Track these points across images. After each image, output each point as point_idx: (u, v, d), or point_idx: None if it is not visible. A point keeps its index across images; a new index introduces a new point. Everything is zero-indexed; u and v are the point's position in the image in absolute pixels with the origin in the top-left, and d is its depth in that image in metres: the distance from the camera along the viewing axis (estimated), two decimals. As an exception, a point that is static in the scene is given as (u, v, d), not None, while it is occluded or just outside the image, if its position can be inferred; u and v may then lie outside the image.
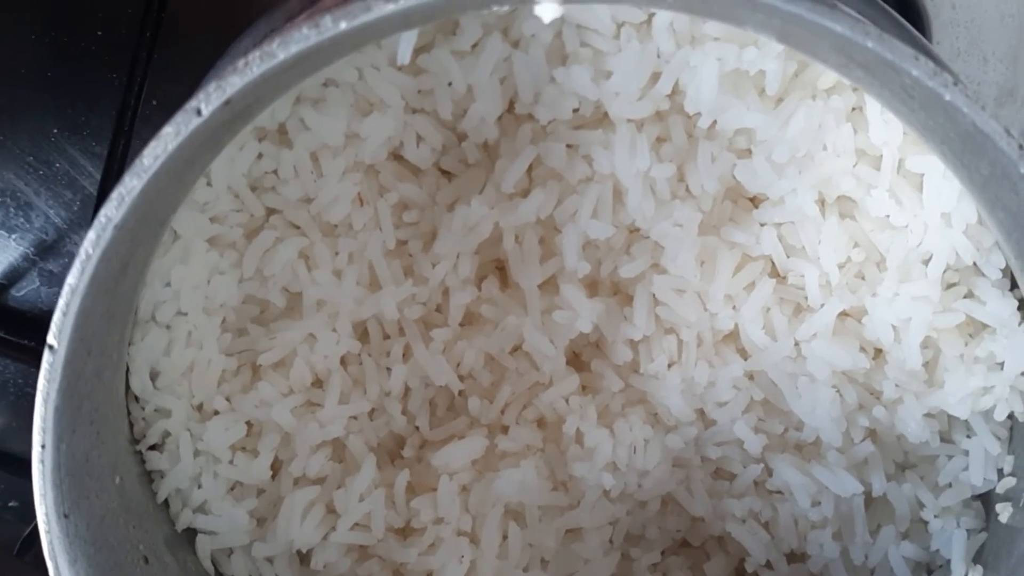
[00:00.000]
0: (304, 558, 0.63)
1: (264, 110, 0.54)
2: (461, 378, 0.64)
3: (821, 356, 0.61)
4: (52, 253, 0.80)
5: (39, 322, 0.81)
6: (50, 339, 0.47)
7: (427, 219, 0.62)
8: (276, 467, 0.63)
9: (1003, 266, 0.59)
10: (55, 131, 0.78)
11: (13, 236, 0.80)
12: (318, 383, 0.63)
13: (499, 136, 0.61)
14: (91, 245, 0.46)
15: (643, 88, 0.58)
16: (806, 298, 0.61)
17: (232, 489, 0.62)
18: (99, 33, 0.77)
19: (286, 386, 0.62)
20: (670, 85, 0.58)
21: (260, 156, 0.60)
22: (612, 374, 0.64)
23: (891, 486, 0.63)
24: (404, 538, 0.64)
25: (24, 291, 0.81)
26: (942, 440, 0.63)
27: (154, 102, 0.75)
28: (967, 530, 0.62)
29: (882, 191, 0.59)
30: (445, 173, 0.63)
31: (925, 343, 0.61)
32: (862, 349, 0.62)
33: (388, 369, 0.63)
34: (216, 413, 0.61)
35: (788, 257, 0.62)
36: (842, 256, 0.61)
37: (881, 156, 0.59)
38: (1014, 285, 0.59)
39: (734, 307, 0.62)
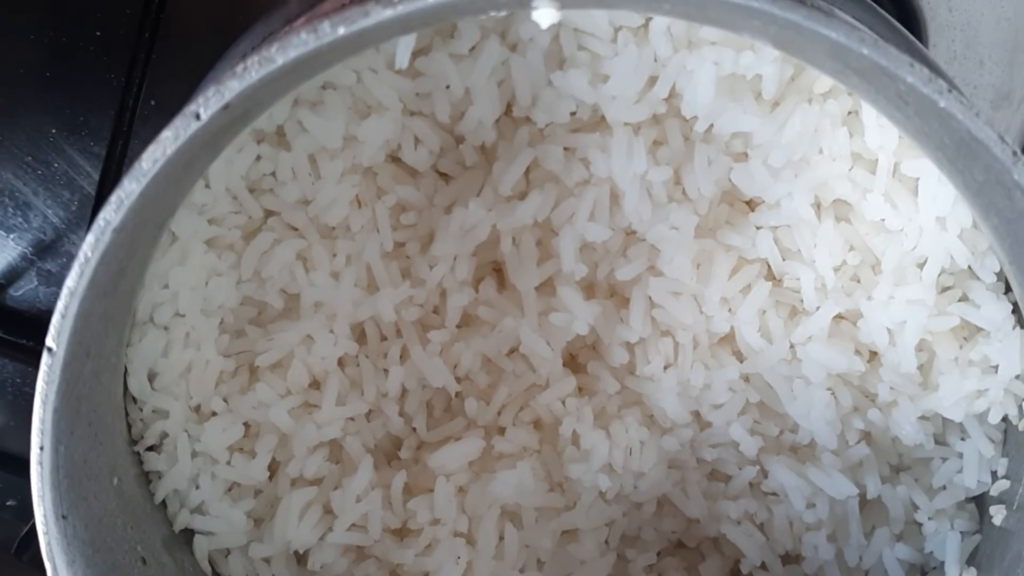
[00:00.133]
0: (301, 559, 0.64)
1: (262, 114, 0.54)
2: (458, 380, 0.64)
3: (816, 359, 0.61)
4: (50, 253, 0.80)
5: (37, 322, 0.81)
6: (49, 341, 0.48)
7: (425, 221, 0.63)
8: (273, 468, 0.63)
9: (997, 270, 0.59)
10: (53, 131, 0.78)
11: (11, 236, 0.80)
12: (316, 384, 0.63)
13: (497, 139, 0.61)
14: (90, 248, 0.46)
15: (640, 92, 0.58)
16: (802, 301, 0.62)
17: (230, 490, 0.62)
18: (98, 33, 0.77)
19: (284, 387, 0.62)
20: (667, 89, 0.58)
21: (258, 158, 0.60)
22: (608, 376, 0.64)
23: (885, 488, 0.63)
24: (401, 539, 0.64)
25: (22, 291, 0.81)
26: (936, 443, 0.63)
27: (152, 102, 0.75)
28: (961, 532, 0.62)
29: (878, 195, 0.59)
30: (443, 175, 0.63)
31: (920, 346, 0.61)
32: (857, 352, 0.62)
33: (385, 371, 0.64)
34: (214, 414, 0.61)
35: (784, 260, 0.62)
36: (838, 259, 0.61)
37: (877, 160, 0.59)
38: (1008, 289, 0.60)
39: (730, 310, 0.62)
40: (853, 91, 0.54)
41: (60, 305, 0.47)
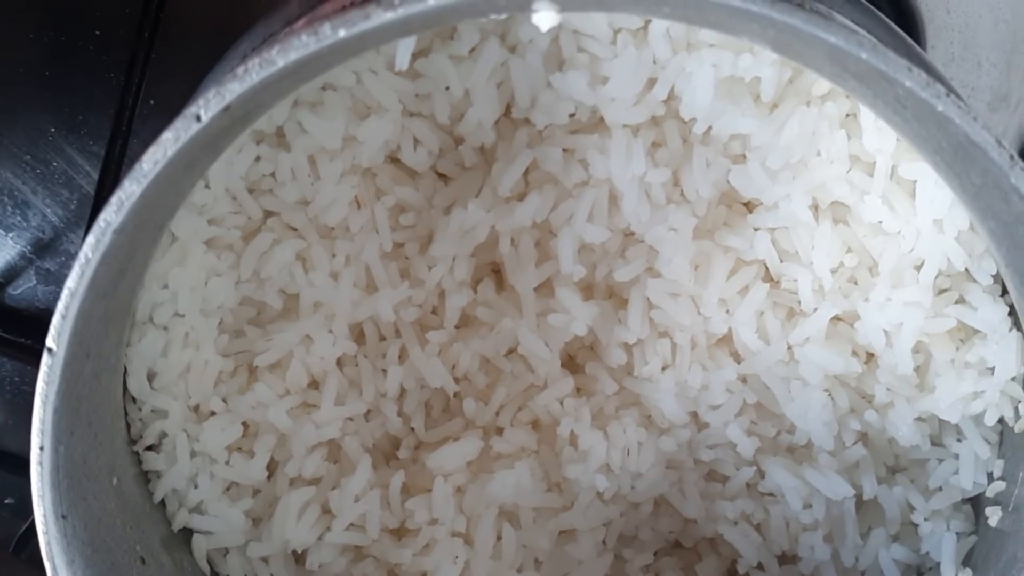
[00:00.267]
0: (299, 558, 0.64)
1: (263, 115, 0.54)
2: (456, 380, 0.64)
3: (813, 360, 0.61)
4: (49, 252, 0.81)
5: (36, 320, 0.81)
6: (49, 342, 0.48)
7: (424, 222, 0.63)
8: (272, 468, 0.63)
9: (994, 272, 0.59)
10: (52, 130, 0.78)
11: (10, 234, 0.80)
12: (314, 384, 0.64)
13: (496, 140, 0.61)
14: (90, 249, 0.46)
15: (639, 94, 0.59)
16: (799, 302, 0.62)
17: (228, 489, 0.62)
18: (97, 33, 0.77)
19: (282, 387, 0.62)
20: (666, 91, 0.58)
21: (258, 159, 0.60)
22: (606, 377, 0.64)
23: (882, 489, 0.63)
24: (399, 539, 0.64)
25: (21, 289, 0.81)
26: (933, 444, 0.63)
27: (152, 102, 0.75)
28: (957, 533, 0.62)
29: (875, 197, 0.59)
30: (442, 176, 0.63)
31: (916, 348, 0.61)
32: (854, 353, 0.62)
33: (384, 371, 0.64)
34: (213, 414, 0.62)
35: (782, 262, 0.62)
36: (835, 261, 0.61)
37: (874, 162, 0.59)
38: (1005, 291, 0.60)
39: (728, 311, 0.62)
40: (851, 95, 0.54)
41: (60, 306, 0.47)
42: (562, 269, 0.62)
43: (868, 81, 0.47)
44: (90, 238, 0.46)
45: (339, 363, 0.64)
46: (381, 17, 0.43)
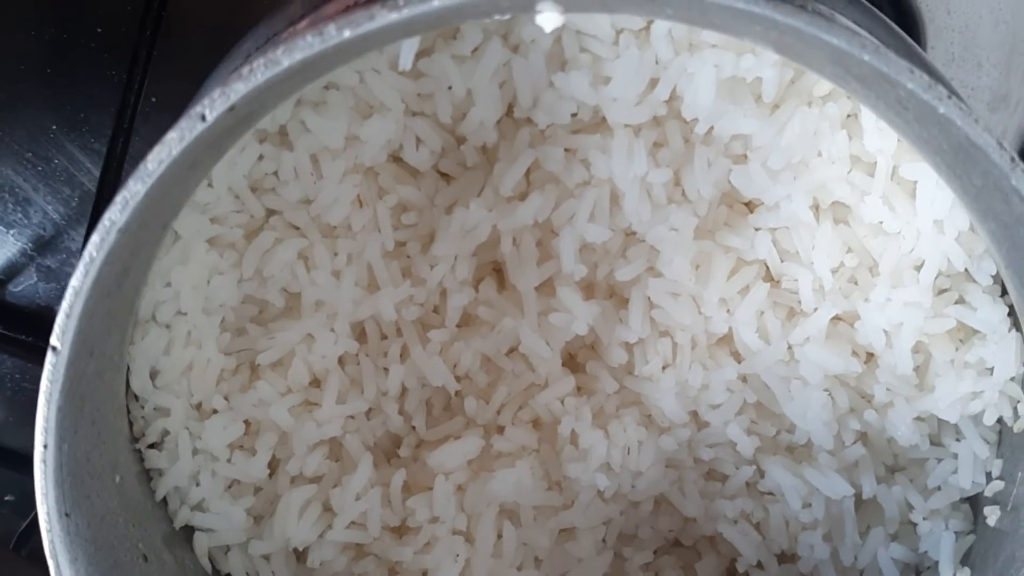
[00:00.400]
0: (300, 556, 0.64)
1: (266, 115, 0.54)
2: (458, 379, 0.64)
3: (814, 360, 0.62)
4: (50, 249, 0.81)
5: (37, 318, 0.81)
6: (53, 340, 0.48)
7: (425, 221, 0.63)
8: (273, 465, 0.63)
9: (994, 272, 0.60)
10: (54, 127, 0.78)
11: (11, 232, 0.80)
12: (316, 383, 0.64)
13: (498, 140, 0.62)
14: (95, 248, 0.46)
15: (641, 94, 0.59)
16: (799, 302, 0.62)
17: (230, 487, 0.62)
18: (99, 30, 0.77)
19: (284, 385, 0.63)
20: (668, 91, 0.59)
21: (261, 158, 0.60)
22: (607, 376, 0.64)
23: (881, 488, 0.63)
24: (400, 537, 0.64)
25: (22, 287, 0.81)
26: (932, 444, 0.63)
27: (153, 99, 0.76)
28: (955, 532, 0.63)
29: (876, 197, 0.59)
30: (444, 176, 0.63)
31: (916, 348, 0.61)
32: (854, 353, 0.62)
33: (385, 369, 0.64)
34: (215, 412, 0.62)
35: (782, 262, 0.62)
36: (835, 261, 0.61)
37: (875, 163, 0.59)
38: (1004, 291, 0.60)
39: (728, 311, 0.63)
40: (853, 96, 0.54)
41: (65, 304, 0.47)
42: (563, 268, 0.62)
43: (870, 83, 0.48)
44: (95, 237, 0.46)
45: (341, 361, 0.64)
46: (386, 18, 0.43)
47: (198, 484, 0.61)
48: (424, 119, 0.61)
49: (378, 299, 0.62)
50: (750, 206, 0.63)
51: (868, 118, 0.58)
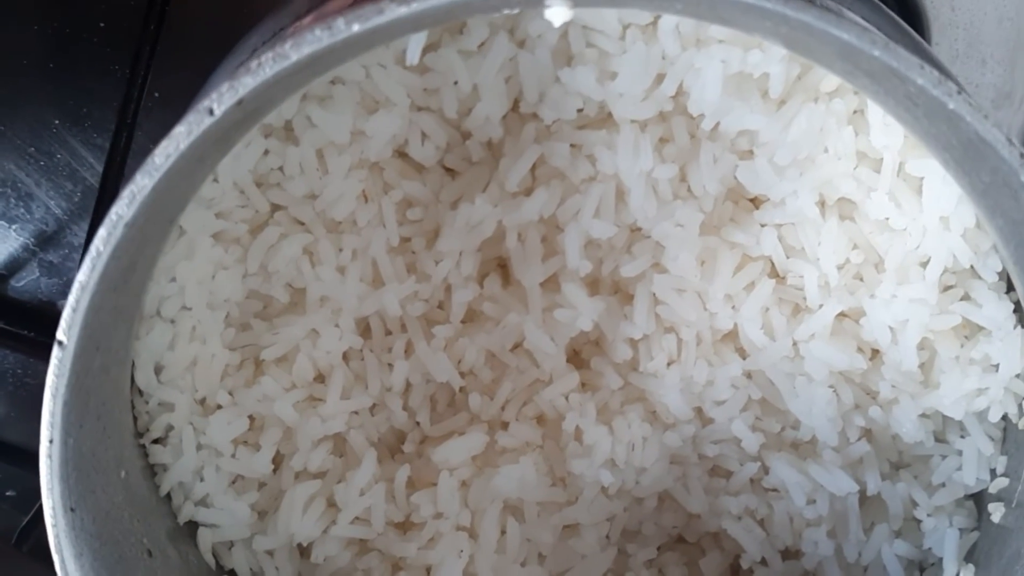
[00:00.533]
0: (304, 551, 0.64)
1: (273, 110, 0.54)
2: (462, 375, 0.64)
3: (819, 356, 0.62)
4: (52, 244, 0.80)
5: (39, 313, 0.81)
6: (59, 335, 0.48)
7: (431, 217, 0.63)
8: (277, 461, 0.63)
9: (1000, 269, 0.60)
10: (56, 122, 0.78)
11: (13, 227, 0.80)
12: (320, 378, 0.64)
13: (503, 135, 0.61)
14: (102, 242, 0.46)
15: (647, 89, 0.59)
16: (805, 299, 0.62)
17: (234, 482, 0.62)
18: (102, 25, 0.77)
19: (288, 381, 0.62)
20: (674, 86, 0.58)
21: (266, 153, 0.60)
22: (612, 372, 0.64)
23: (885, 485, 0.63)
24: (404, 532, 0.64)
25: (24, 282, 0.81)
26: (936, 440, 0.64)
27: (156, 95, 0.75)
28: (959, 529, 0.63)
29: (882, 194, 0.59)
30: (449, 171, 0.63)
31: (921, 344, 0.61)
32: (859, 350, 0.62)
33: (390, 365, 0.64)
34: (219, 407, 0.62)
35: (788, 258, 0.62)
36: (841, 258, 0.61)
37: (882, 159, 0.59)
38: (1010, 288, 0.60)
39: (733, 307, 0.63)
40: (862, 92, 0.54)
41: (71, 299, 0.47)
42: (568, 264, 0.62)
43: (879, 78, 0.48)
44: (101, 231, 0.46)
45: (345, 357, 0.64)
46: (395, 12, 0.43)
47: (202, 479, 0.61)
48: (430, 114, 0.61)
49: (383, 295, 0.62)
50: (756, 202, 0.63)
51: (875, 114, 0.58)
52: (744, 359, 0.63)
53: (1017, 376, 0.60)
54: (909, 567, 0.64)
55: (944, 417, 0.63)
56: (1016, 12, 0.75)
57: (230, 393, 0.62)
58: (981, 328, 0.61)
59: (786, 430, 0.64)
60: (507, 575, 0.64)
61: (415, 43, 0.56)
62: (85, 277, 0.47)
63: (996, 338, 0.60)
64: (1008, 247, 0.54)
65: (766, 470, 0.65)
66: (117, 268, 0.48)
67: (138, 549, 0.56)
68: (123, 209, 0.46)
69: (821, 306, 0.62)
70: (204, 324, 0.61)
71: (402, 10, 0.43)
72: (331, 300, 0.62)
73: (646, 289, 0.63)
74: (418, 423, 0.65)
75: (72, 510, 0.51)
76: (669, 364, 0.64)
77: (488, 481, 0.64)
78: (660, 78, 0.58)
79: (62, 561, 0.51)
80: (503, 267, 0.65)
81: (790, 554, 0.66)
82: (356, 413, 0.64)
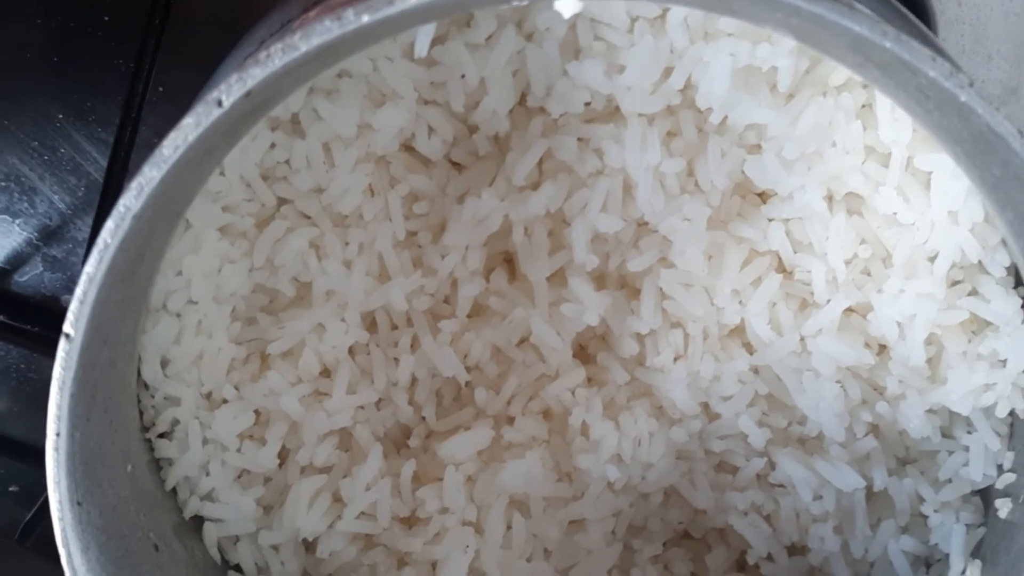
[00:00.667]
0: (310, 546, 0.64)
1: (281, 102, 0.54)
2: (468, 369, 0.64)
3: (826, 351, 0.61)
4: (56, 239, 0.80)
5: (42, 307, 0.81)
6: (66, 327, 0.47)
7: (437, 211, 0.62)
8: (283, 456, 0.63)
9: (1008, 264, 0.60)
10: (60, 116, 0.78)
11: (17, 221, 0.80)
12: (326, 373, 0.63)
13: (510, 129, 0.61)
14: (109, 234, 0.46)
15: (655, 83, 0.58)
16: (812, 294, 0.62)
17: (239, 477, 0.62)
18: (106, 19, 0.76)
19: (294, 375, 0.62)
20: (682, 80, 0.58)
21: (273, 146, 0.60)
22: (618, 367, 0.64)
23: (892, 481, 0.63)
24: (409, 527, 0.64)
25: (27, 276, 0.81)
26: (943, 436, 0.63)
27: (161, 89, 0.75)
28: (966, 525, 0.63)
29: (890, 188, 0.59)
30: (456, 165, 0.63)
31: (929, 340, 0.61)
32: (866, 345, 0.62)
33: (396, 360, 0.64)
34: (225, 401, 0.61)
35: (795, 253, 0.62)
36: (849, 252, 0.61)
37: (890, 154, 0.59)
38: (1018, 283, 0.60)
39: (740, 302, 0.62)
40: (873, 84, 0.54)
41: (78, 291, 0.47)
42: (575, 259, 0.62)
43: (890, 71, 0.47)
44: (109, 223, 0.46)
45: (351, 352, 0.64)
46: (405, 3, 0.43)
47: (208, 474, 0.61)
48: (436, 108, 0.61)
49: (389, 289, 0.62)
50: (763, 196, 0.63)
51: (883, 108, 0.58)
52: (751, 354, 0.63)
53: (1024, 371, 0.60)
54: (915, 563, 0.64)
55: (951, 413, 0.63)
56: (1023, 8, 0.75)
57: (236, 387, 0.62)
58: (989, 323, 0.61)
59: (793, 425, 0.64)
60: (513, 570, 0.64)
61: (424, 35, 0.56)
62: (93, 269, 0.47)
63: (1004, 333, 0.60)
64: (1018, 241, 0.54)
65: (772, 466, 0.64)
66: (125, 260, 0.48)
67: (144, 543, 0.56)
68: (131, 201, 0.45)
69: (828, 301, 0.61)
70: (210, 318, 0.60)
71: (412, 1, 0.43)
72: (337, 294, 0.62)
73: (653, 284, 0.62)
74: (424, 418, 0.65)
75: (79, 504, 0.51)
76: (676, 359, 0.63)
77: (494, 476, 0.63)
78: (668, 72, 0.58)
79: (68, 555, 0.51)
80: (509, 261, 0.64)
81: (796, 550, 0.66)
82: (362, 408, 0.64)
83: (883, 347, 0.63)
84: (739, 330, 0.63)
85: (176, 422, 0.61)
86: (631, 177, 0.60)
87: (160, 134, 0.46)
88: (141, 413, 0.60)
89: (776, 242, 0.62)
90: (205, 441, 0.61)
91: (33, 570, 0.78)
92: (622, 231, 0.62)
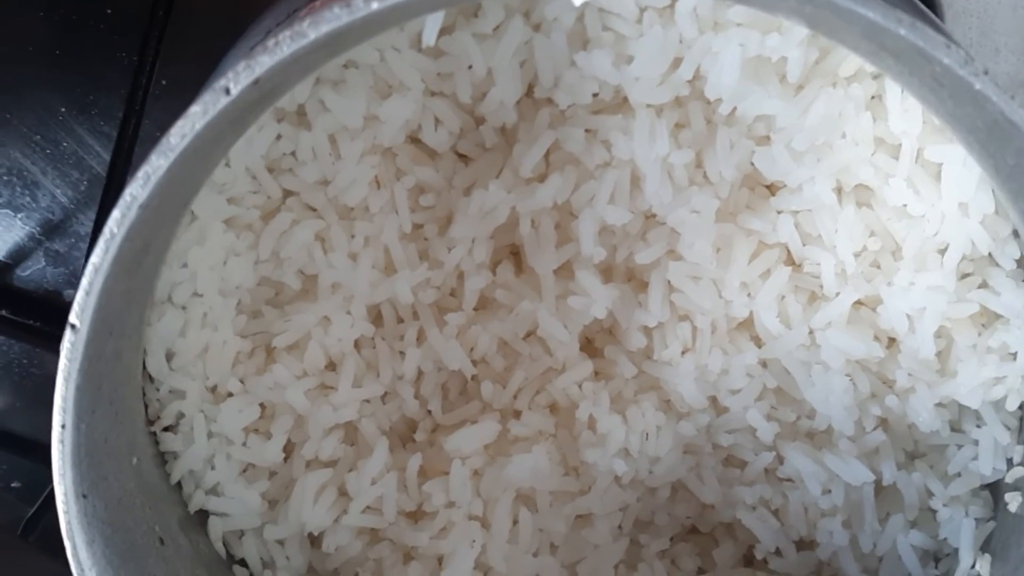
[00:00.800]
0: (315, 541, 0.63)
1: (288, 92, 0.53)
2: (474, 363, 0.64)
3: (835, 344, 0.61)
4: (58, 233, 0.80)
5: (44, 302, 0.80)
6: (72, 318, 0.47)
7: (443, 203, 0.62)
8: (289, 449, 0.63)
9: (1018, 256, 0.59)
10: (63, 110, 0.78)
11: (19, 215, 0.79)
12: (332, 366, 0.63)
13: (517, 120, 0.61)
14: (116, 224, 0.46)
15: (664, 73, 0.58)
16: (821, 286, 0.62)
17: (244, 471, 0.62)
18: (108, 11, 0.76)
19: (300, 369, 0.62)
20: (691, 71, 0.58)
21: (279, 137, 0.60)
22: (625, 360, 0.64)
23: (901, 475, 0.63)
24: (415, 522, 0.64)
25: (29, 271, 0.80)
26: (952, 429, 0.63)
27: (164, 82, 0.75)
28: (975, 519, 0.62)
29: (900, 180, 0.59)
30: (462, 157, 0.63)
31: (939, 333, 0.61)
32: (876, 338, 0.62)
33: (402, 353, 0.63)
34: (230, 395, 0.61)
35: (804, 245, 0.62)
36: (858, 245, 0.61)
37: (900, 145, 0.59)
38: (1029, 276, 0.60)
39: (749, 295, 0.62)
40: (886, 73, 0.54)
41: (84, 281, 0.47)
42: (582, 251, 0.62)
43: (904, 58, 0.47)
44: (115, 213, 0.45)
45: (357, 345, 0.63)
46: (414, -11, 0.43)
47: (213, 468, 0.61)
48: (443, 99, 0.60)
49: (395, 282, 0.62)
50: (772, 188, 0.62)
51: (893, 100, 0.58)
52: (759, 347, 0.63)
53: (1035, 365, 0.60)
54: (924, 557, 0.64)
55: (960, 406, 0.63)
56: (1030, 1, 0.75)
57: (241, 381, 0.61)
58: (999, 316, 0.61)
59: (801, 419, 0.64)
60: (519, 565, 0.64)
61: (432, 24, 0.55)
62: (99, 259, 0.46)
63: (1014, 326, 0.60)
64: (1031, 232, 0.53)
65: (781, 460, 0.64)
66: (131, 250, 0.47)
67: (150, 537, 0.55)
68: (138, 190, 0.45)
69: (838, 294, 0.61)
70: (215, 311, 0.60)
71: (422, -13, 0.42)
72: (343, 287, 0.62)
73: (661, 276, 0.62)
74: (430, 411, 0.65)
75: (84, 496, 0.50)
76: (684, 352, 0.63)
77: (500, 470, 0.63)
78: (677, 62, 0.58)
79: (74, 548, 0.51)
80: (516, 254, 0.64)
81: (805, 544, 0.65)
82: (368, 401, 0.63)
83: (892, 340, 0.62)
84: (747, 323, 0.63)
85: (181, 415, 0.60)
86: (639, 169, 0.60)
87: (163, 127, 0.45)
88: (146, 406, 0.59)
89: (785, 234, 0.61)
90: (210, 435, 0.61)
91: (36, 566, 0.77)
92: (630, 223, 0.61)
